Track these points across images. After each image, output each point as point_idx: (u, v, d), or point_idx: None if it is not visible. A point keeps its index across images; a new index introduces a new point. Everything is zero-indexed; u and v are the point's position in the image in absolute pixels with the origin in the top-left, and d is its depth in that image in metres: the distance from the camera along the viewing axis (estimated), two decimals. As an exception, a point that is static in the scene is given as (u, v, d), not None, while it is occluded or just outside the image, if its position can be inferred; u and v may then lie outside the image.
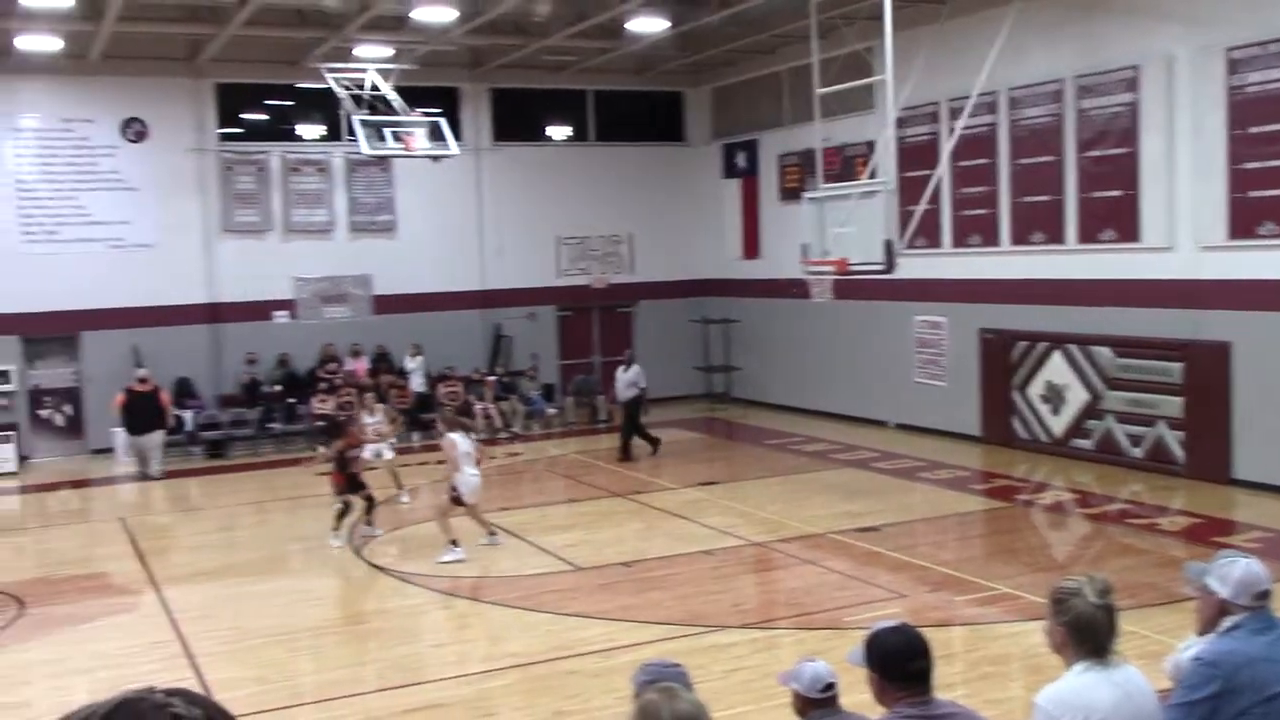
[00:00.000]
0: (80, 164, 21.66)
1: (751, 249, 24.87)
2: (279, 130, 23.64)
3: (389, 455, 17.02)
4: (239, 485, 18.97)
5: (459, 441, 13.49)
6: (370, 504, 14.46)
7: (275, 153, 23.08)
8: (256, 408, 21.90)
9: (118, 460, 20.32)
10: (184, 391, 21.87)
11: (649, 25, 19.99)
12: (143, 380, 19.73)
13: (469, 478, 13.36)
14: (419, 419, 21.90)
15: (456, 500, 13.31)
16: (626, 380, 19.92)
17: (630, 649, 9.65)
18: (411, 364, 22.78)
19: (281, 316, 23.01)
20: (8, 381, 21.13)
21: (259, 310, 22.71)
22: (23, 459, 20.44)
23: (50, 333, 21.51)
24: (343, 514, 14.14)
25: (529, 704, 8.82)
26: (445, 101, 22.95)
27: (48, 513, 17.95)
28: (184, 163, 22.26)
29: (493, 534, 13.64)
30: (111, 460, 20.29)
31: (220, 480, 19.49)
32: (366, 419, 17.55)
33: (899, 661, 3.98)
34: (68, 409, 21.72)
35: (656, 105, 26.45)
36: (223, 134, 22.78)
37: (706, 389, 25.99)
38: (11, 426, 20.56)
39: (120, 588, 12.71)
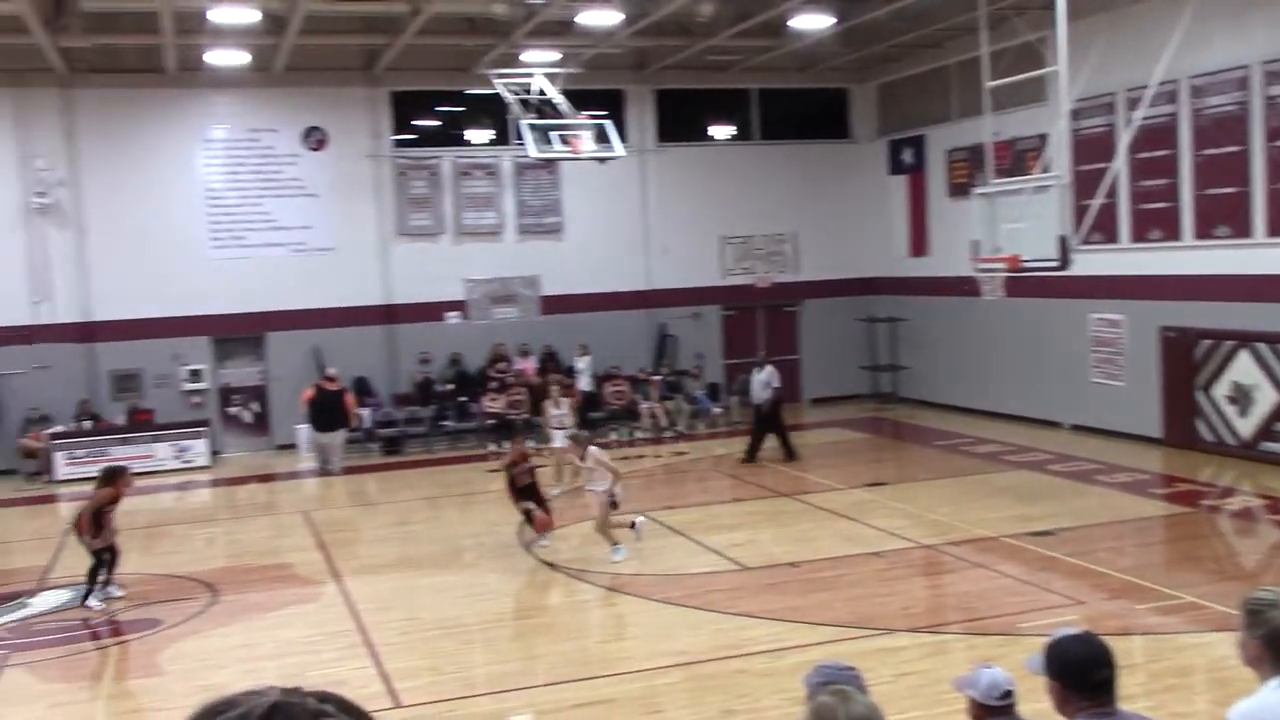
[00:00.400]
0: (265, 172, 22.62)
1: (919, 246, 24.47)
2: (450, 135, 24.27)
3: (560, 445, 17.60)
4: (414, 481, 19.54)
5: (600, 453, 13.79)
6: (528, 517, 14.19)
7: (447, 157, 23.70)
8: (430, 406, 22.53)
9: (301, 456, 21.14)
10: (361, 390, 22.63)
11: (813, 22, 19.86)
12: (330, 379, 20.49)
13: (601, 488, 13.43)
14: (586, 418, 22.20)
15: (614, 505, 13.40)
16: (761, 381, 19.69)
17: (798, 650, 9.62)
18: (580, 364, 23.09)
19: (453, 317, 23.62)
20: (200, 380, 22.24)
21: (432, 311, 23.36)
22: (214, 454, 21.46)
23: (238, 333, 22.55)
24: (528, 521, 14.24)
25: (696, 702, 8.87)
26: (610, 103, 23.17)
27: (237, 505, 18.81)
28: (361, 169, 23.04)
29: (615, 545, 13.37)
30: (295, 456, 21.11)
31: (396, 476, 20.13)
32: (552, 410, 18.94)
33: (1082, 671, 3.87)
34: (255, 406, 22.75)
35: (821, 102, 26.24)
36: (397, 140, 23.51)
37: (873, 389, 25.67)
38: (204, 423, 21.62)
39: (304, 578, 13.24)
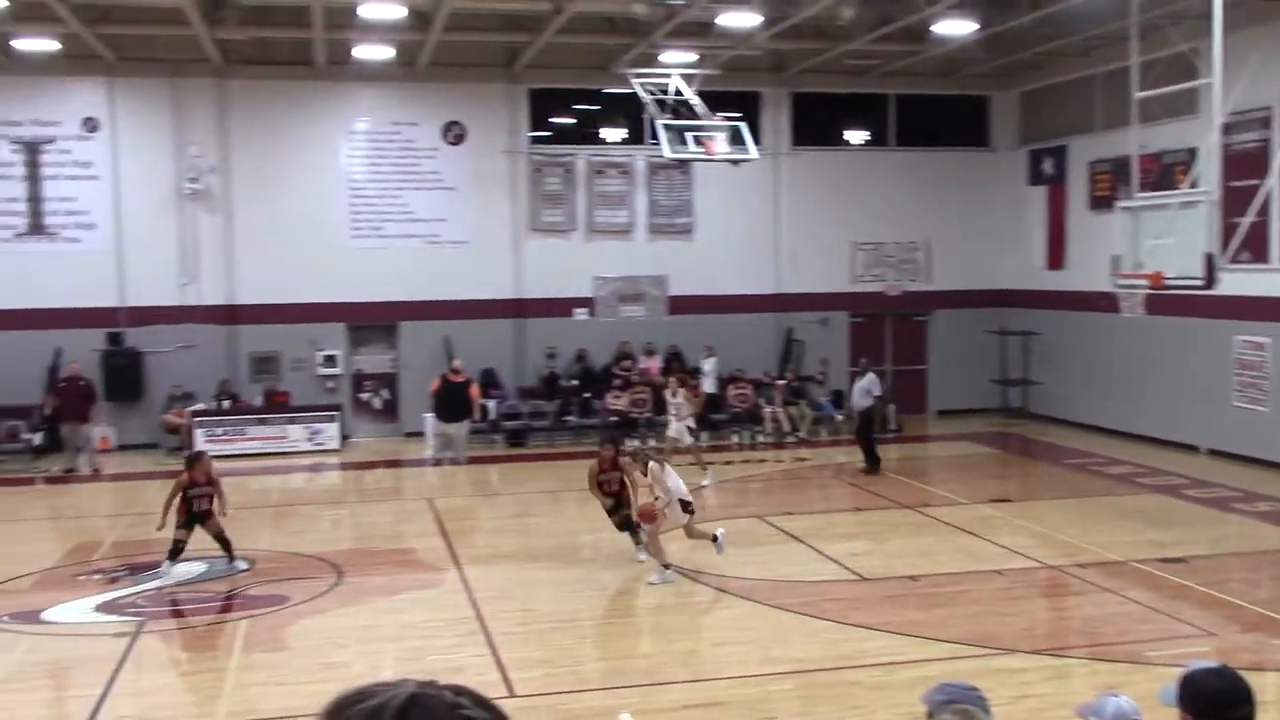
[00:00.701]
0: (404, 164, 23.12)
1: (1057, 259, 23.89)
2: (585, 134, 24.49)
3: (688, 440, 17.74)
4: (536, 474, 19.78)
5: (658, 470, 13.19)
6: (631, 529, 13.39)
7: (581, 155, 23.93)
8: (555, 400, 22.77)
9: (427, 444, 21.55)
10: (488, 382, 22.98)
11: (957, 28, 19.54)
12: (456, 371, 20.84)
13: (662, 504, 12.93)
14: (708, 419, 22.25)
15: (688, 510, 12.95)
16: (861, 389, 19.36)
17: (914, 665, 9.49)
18: (705, 365, 23.09)
19: (581, 313, 23.83)
20: (335, 365, 22.84)
21: (560, 307, 23.61)
22: (344, 438, 22.02)
23: (372, 321, 23.11)
24: (626, 530, 13.57)
25: (809, 710, 8.82)
26: (746, 106, 23.12)
27: (364, 489, 19.27)
28: (497, 164, 23.40)
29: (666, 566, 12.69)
30: (421, 443, 21.50)
31: (519, 468, 20.40)
32: (669, 399, 19.24)
33: (1219, 707, 3.71)
34: (385, 393, 23.28)
35: (960, 109, 25.79)
36: (533, 137, 23.80)
37: (1002, 403, 25.14)
38: (336, 407, 22.20)
39: (426, 564, 13.50)
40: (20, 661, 10.23)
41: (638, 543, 13.27)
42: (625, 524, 13.39)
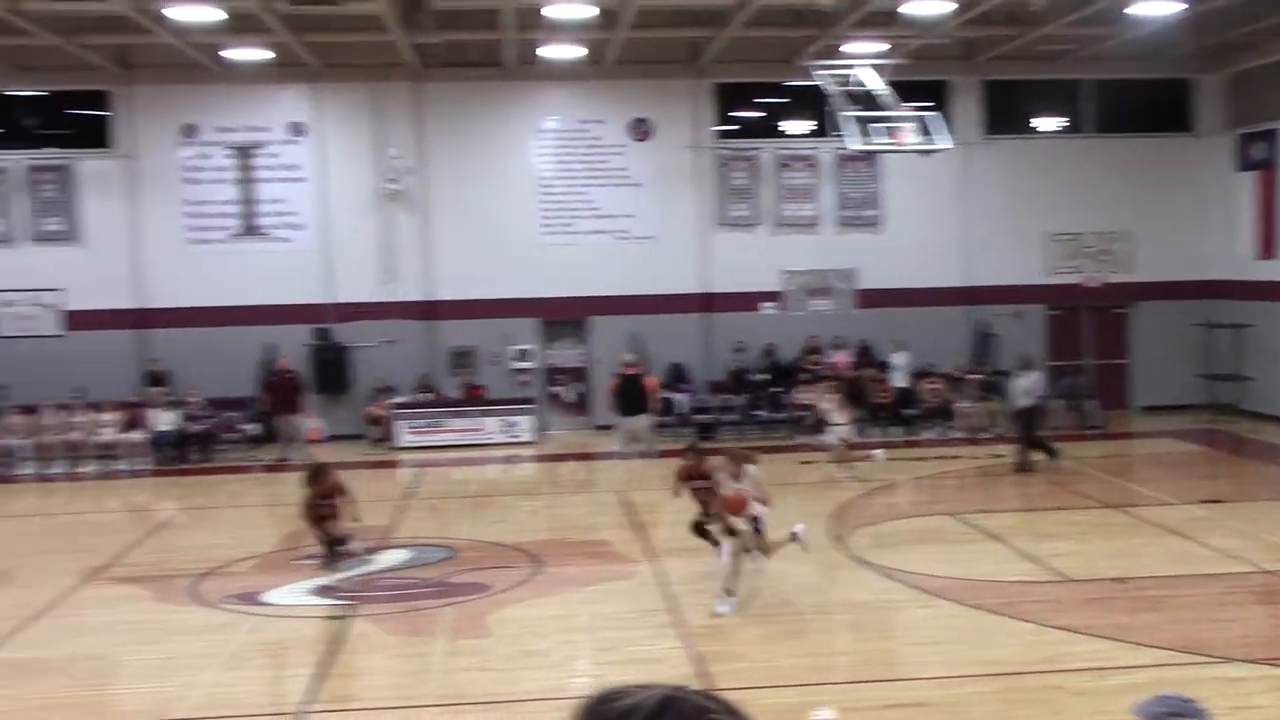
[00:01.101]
0: (592, 162, 23.50)
1: (1269, 248, 22.71)
2: (770, 127, 24.44)
3: (835, 441, 17.66)
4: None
5: (757, 472, 12.20)
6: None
7: (767, 149, 23.89)
8: (743, 395, 22.81)
9: (616, 437, 21.84)
10: (677, 376, 23.18)
11: (1157, 9, 18.77)
12: (630, 365, 21.05)
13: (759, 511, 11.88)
14: (899, 414, 21.98)
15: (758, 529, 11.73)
16: (1022, 387, 18.70)
17: (1123, 671, 9.21)
18: (896, 359, 22.79)
19: (768, 308, 23.81)
20: (528, 360, 23.41)
21: (747, 301, 23.63)
22: (539, 430, 22.54)
23: (564, 316, 23.57)
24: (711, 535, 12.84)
25: (1012, 715, 8.65)
26: (935, 95, 22.76)
27: (558, 481, 19.69)
28: (683, 159, 23.56)
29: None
30: (612, 436, 21.78)
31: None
32: (819, 405, 19.05)
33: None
34: (577, 387, 23.74)
35: (1160, 94, 24.76)
36: (718, 131, 23.87)
37: (1209, 399, 24.01)
38: (530, 401, 22.75)
39: (620, 556, 13.73)
40: (243, 641, 10.83)
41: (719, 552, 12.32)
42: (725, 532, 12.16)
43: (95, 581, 13.14)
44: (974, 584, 12.05)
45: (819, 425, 19.14)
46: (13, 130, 23.20)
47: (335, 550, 13.35)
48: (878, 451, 18.55)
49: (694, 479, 12.85)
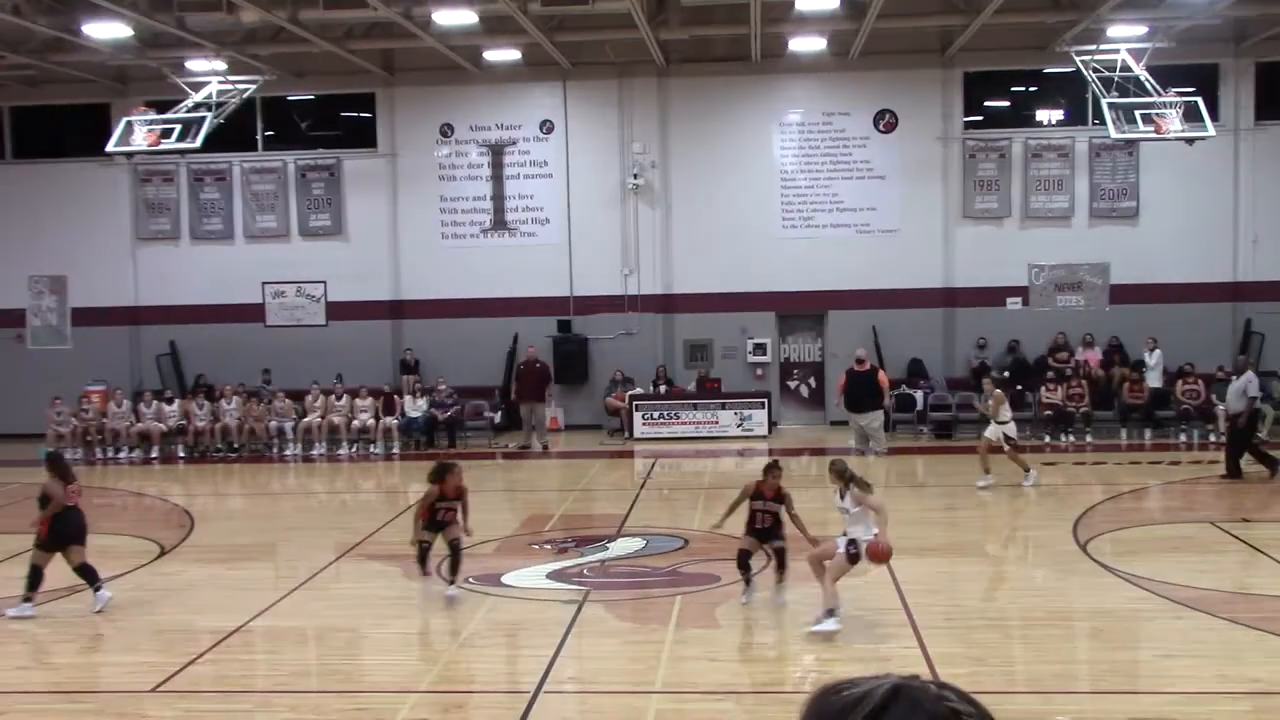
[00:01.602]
0: (835, 154, 23.29)
1: None
2: (1021, 116, 23.65)
3: (1004, 443, 16.92)
4: (963, 466, 19.31)
5: (864, 494, 10.61)
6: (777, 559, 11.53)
7: (1017, 139, 23.12)
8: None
9: (850, 433, 21.55)
10: (915, 372, 22.72)
11: None
12: (860, 361, 20.64)
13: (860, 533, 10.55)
14: (1153, 416, 20.89)
15: (854, 559, 10.49)
16: (1236, 390, 17.32)
17: (1397, 697, 8.49)
18: (1150, 358, 21.69)
19: (1014, 303, 23.06)
20: (764, 353, 23.41)
21: (992, 295, 22.95)
22: (772, 424, 22.52)
23: (801, 310, 23.46)
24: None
25: (1267, 736, 8.12)
26: (1203, 79, 21.51)
27: (790, 476, 19.47)
28: (929, 151, 23.06)
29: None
30: (847, 431, 21.50)
31: (945, 460, 20.05)
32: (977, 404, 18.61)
33: None
34: (812, 382, 23.58)
35: None
36: (967, 122, 23.24)
37: None
38: (765, 394, 22.75)
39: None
40: (484, 620, 11.24)
41: (748, 582, 11.43)
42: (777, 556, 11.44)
43: (350, 557, 13.92)
44: (1231, 596, 11.35)
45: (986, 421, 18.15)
46: (287, 131, 24.81)
47: (455, 554, 12.04)
48: (1032, 472, 17.22)
49: (766, 500, 11.55)
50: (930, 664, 9.50)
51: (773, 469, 11.71)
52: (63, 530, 11.71)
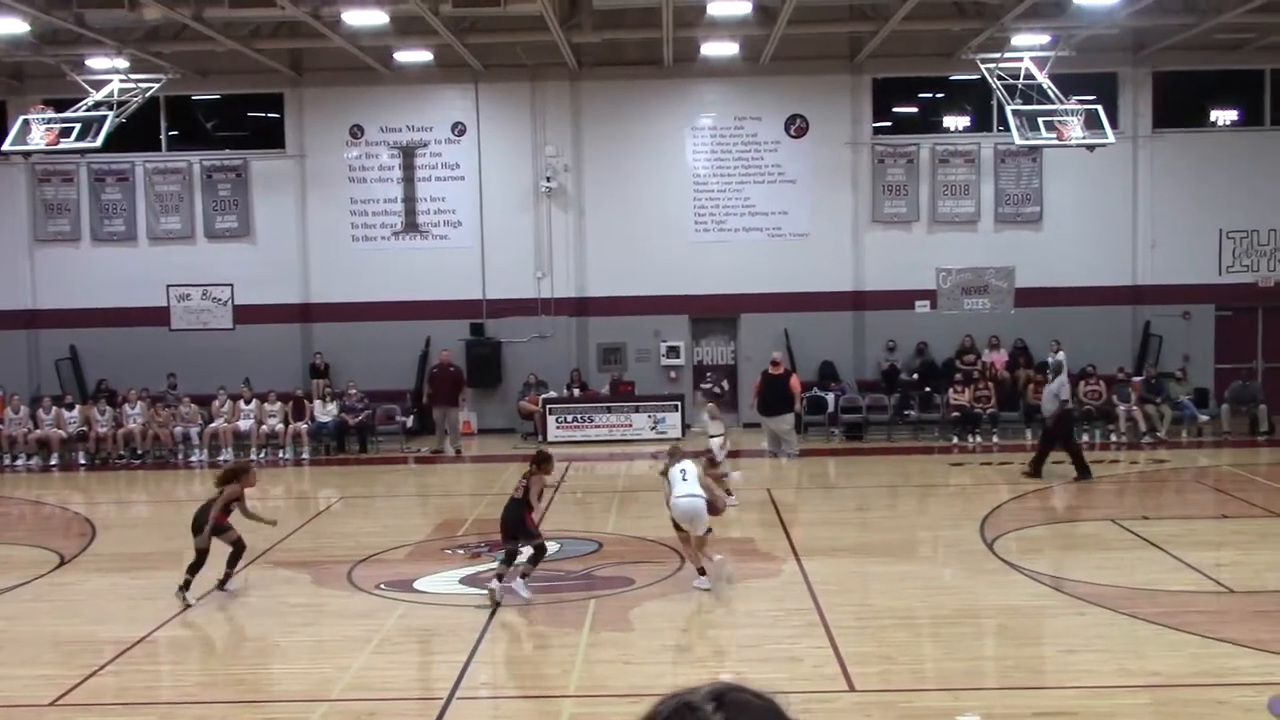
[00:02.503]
0: (747, 159, 23.46)
1: None
2: (929, 122, 24.03)
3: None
4: (873, 468, 19.62)
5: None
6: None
7: (925, 145, 23.48)
8: (894, 394, 22.46)
9: (763, 436, 21.68)
10: (827, 374, 22.97)
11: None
12: (775, 364, 20.72)
13: (679, 500, 11.89)
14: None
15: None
16: (1051, 390, 17.89)
17: (1292, 687, 8.76)
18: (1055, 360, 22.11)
19: (922, 306, 23.41)
20: (677, 356, 23.50)
21: (901, 299, 23.29)
22: (686, 427, 22.55)
23: (714, 313, 23.60)
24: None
25: (1167, 728, 8.33)
26: (1102, 87, 22.04)
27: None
28: (839, 156, 23.33)
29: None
30: (759, 434, 21.61)
31: (856, 462, 20.29)
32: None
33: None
34: (725, 384, 23.70)
35: (1350, 83, 23.48)
36: (876, 128, 23.56)
37: (1396, 406, 22.72)
38: (679, 397, 22.81)
39: (765, 554, 13.67)
40: (395, 625, 11.12)
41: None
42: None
43: (258, 564, 13.67)
44: (1132, 592, 11.63)
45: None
46: (192, 131, 24.33)
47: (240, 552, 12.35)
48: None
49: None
50: (842, 662, 9.60)
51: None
52: None
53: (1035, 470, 17.72)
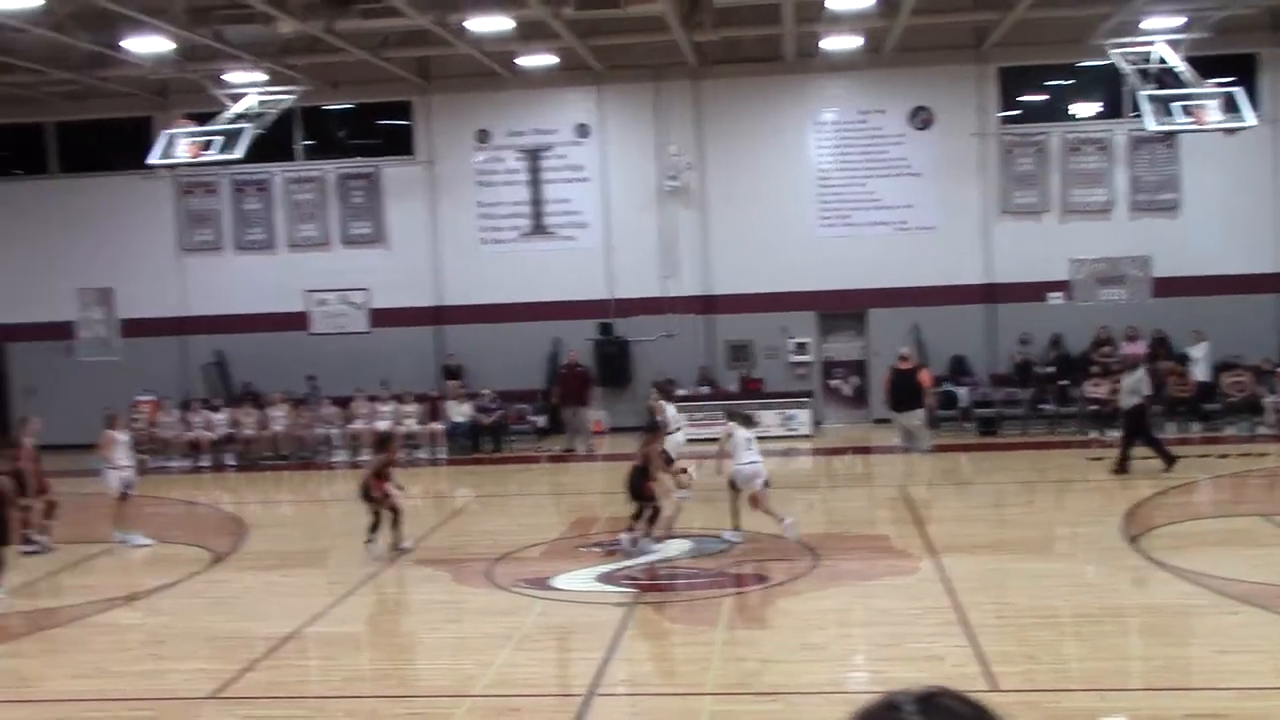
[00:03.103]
0: (871, 152, 23.26)
1: None
2: (1058, 110, 23.52)
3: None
4: (1008, 463, 19.30)
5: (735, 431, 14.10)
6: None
7: (1054, 133, 23.00)
8: (1028, 388, 22.05)
9: (894, 431, 21.53)
10: (958, 369, 22.66)
11: None
12: (904, 359, 20.51)
13: (743, 467, 13.90)
14: (1199, 409, 20.73)
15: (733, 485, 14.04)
16: (1128, 386, 17.48)
17: None
18: (1195, 351, 21.50)
19: (1055, 298, 22.94)
20: (806, 353, 23.41)
21: (1033, 291, 22.84)
22: (816, 423, 22.52)
23: (841, 309, 23.45)
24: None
25: (1326, 731, 8.07)
26: (1241, 69, 21.29)
27: (834, 474, 19.61)
28: (966, 147, 22.98)
29: (782, 520, 13.73)
30: (890, 430, 21.48)
31: (990, 457, 19.99)
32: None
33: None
34: (854, 380, 23.57)
35: None
36: (1003, 117, 23.15)
37: None
38: (807, 394, 22.75)
39: (899, 551, 13.56)
40: (535, 623, 11.33)
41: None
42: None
43: (400, 563, 14.04)
44: (1287, 591, 11.25)
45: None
46: (325, 141, 25.05)
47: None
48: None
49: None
50: (984, 661, 9.50)
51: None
52: None
53: (1122, 467, 17.32)
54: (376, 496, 13.99)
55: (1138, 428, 17.53)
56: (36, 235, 25.03)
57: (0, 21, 17.78)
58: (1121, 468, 17.33)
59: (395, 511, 14.11)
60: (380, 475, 14.12)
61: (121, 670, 10.40)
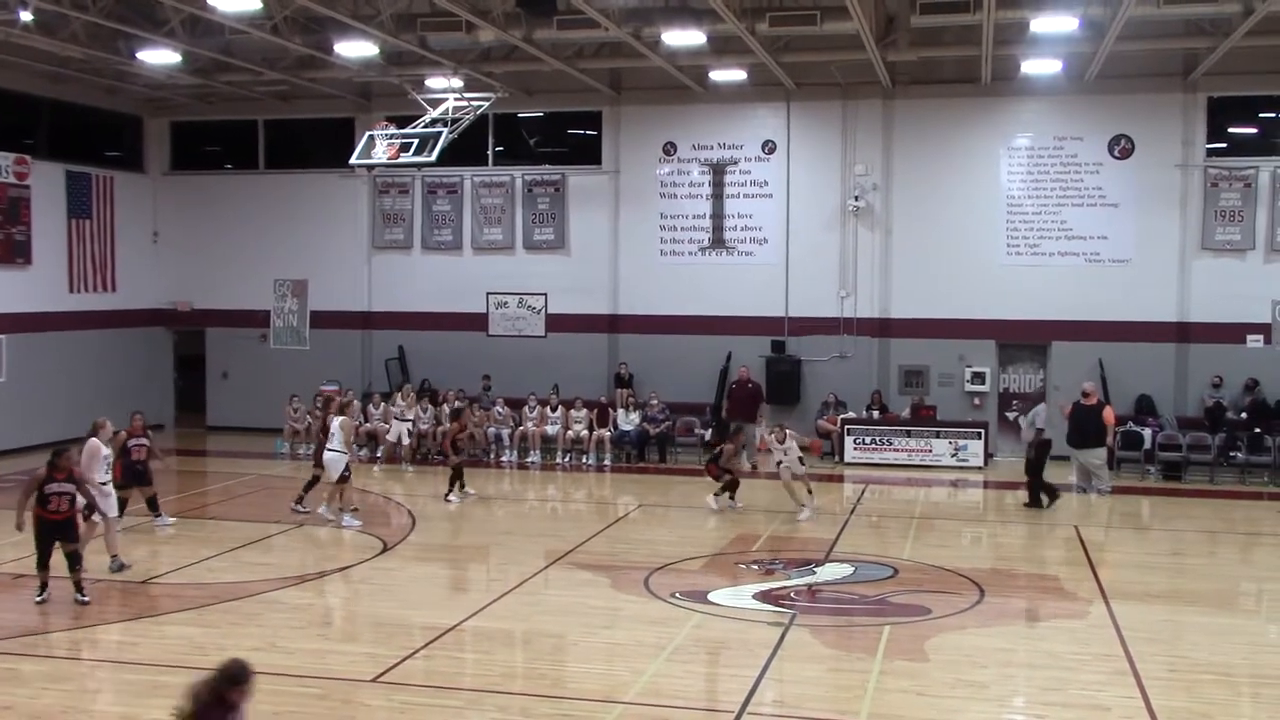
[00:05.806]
0: (1065, 180, 22.58)
1: None
2: (1270, 144, 22.39)
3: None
4: (1192, 510, 18.44)
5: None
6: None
7: (1265, 168, 21.91)
8: (1218, 433, 20.99)
9: (1071, 469, 20.71)
10: (1143, 409, 21.77)
11: None
12: (1086, 394, 19.56)
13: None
14: None
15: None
16: (1027, 421, 17.54)
17: None
18: None
19: (1255, 340, 21.82)
20: (982, 382, 22.83)
21: (1231, 332, 21.80)
22: (988, 456, 21.91)
23: (1023, 340, 22.80)
24: None
25: None
26: None
27: (1004, 509, 19.01)
28: (1167, 179, 22.11)
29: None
30: (1067, 468, 20.57)
31: (1173, 503, 19.12)
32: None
33: None
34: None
35: None
36: (1209, 149, 22.18)
37: None
38: (982, 424, 22.15)
39: (1070, 594, 13.10)
40: (688, 635, 11.34)
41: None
42: None
43: (560, 564, 14.24)
44: None
45: None
46: (515, 148, 25.63)
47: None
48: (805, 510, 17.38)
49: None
50: (1153, 715, 9.10)
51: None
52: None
53: (1034, 500, 18.04)
54: (448, 457, 18.76)
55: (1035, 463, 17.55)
56: (241, 227, 26.35)
57: (226, 24, 18.77)
58: (1034, 501, 17.23)
59: (459, 469, 18.59)
60: (454, 444, 18.68)
61: (292, 647, 10.82)
